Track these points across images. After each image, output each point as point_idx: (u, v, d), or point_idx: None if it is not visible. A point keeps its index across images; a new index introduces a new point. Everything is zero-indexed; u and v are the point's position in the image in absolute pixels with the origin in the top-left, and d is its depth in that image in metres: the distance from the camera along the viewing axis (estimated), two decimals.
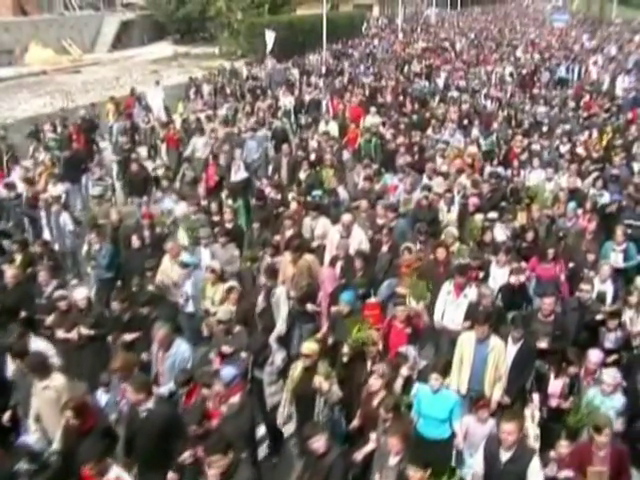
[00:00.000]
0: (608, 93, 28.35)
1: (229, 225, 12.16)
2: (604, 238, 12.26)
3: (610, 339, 9.26)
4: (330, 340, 9.11)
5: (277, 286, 9.76)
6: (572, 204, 13.14)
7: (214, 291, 9.85)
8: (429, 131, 19.20)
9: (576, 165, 16.41)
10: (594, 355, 8.29)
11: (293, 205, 12.81)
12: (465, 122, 20.36)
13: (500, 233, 12.44)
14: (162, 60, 46.25)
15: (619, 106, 24.67)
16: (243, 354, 8.41)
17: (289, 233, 11.86)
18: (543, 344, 8.85)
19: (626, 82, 30.19)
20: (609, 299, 10.51)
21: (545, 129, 20.58)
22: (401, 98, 24.48)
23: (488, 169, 16.16)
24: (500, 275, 10.57)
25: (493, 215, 12.97)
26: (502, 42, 48.63)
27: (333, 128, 19.05)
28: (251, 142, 17.38)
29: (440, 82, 29.09)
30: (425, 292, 9.75)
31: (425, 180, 14.92)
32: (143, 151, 17.48)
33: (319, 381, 7.50)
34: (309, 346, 7.88)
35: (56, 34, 45.15)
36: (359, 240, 11.57)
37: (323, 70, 32.11)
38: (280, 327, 9.53)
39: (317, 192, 13.32)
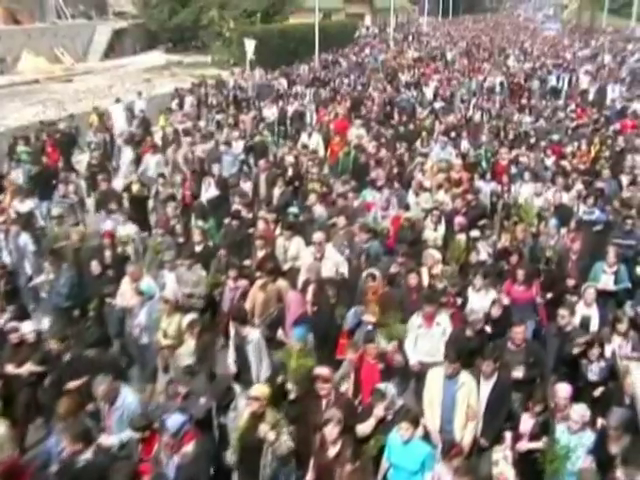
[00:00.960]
0: (596, 103, 27.67)
1: (199, 247, 11.46)
2: (591, 258, 11.51)
3: (593, 371, 8.51)
4: (263, 378, 8.41)
5: (249, 329, 8.82)
6: (553, 221, 12.41)
7: (169, 322, 9.10)
8: (417, 143, 18.52)
9: (562, 178, 15.85)
10: (562, 389, 7.52)
11: (261, 225, 12.04)
12: (453, 134, 19.54)
13: (482, 252, 11.81)
14: (154, 69, 45.28)
15: (607, 117, 23.97)
16: (202, 399, 7.60)
17: (261, 254, 11.18)
18: (518, 373, 8.17)
19: (616, 92, 29.47)
20: (595, 325, 9.82)
21: (532, 140, 19.92)
22: (388, 109, 23.74)
23: (479, 184, 15.42)
24: (477, 300, 9.81)
25: (475, 234, 12.32)
26: (494, 51, 47.96)
27: (316, 140, 18.28)
28: (227, 157, 16.60)
29: (428, 92, 28.26)
30: (399, 332, 8.90)
31: (411, 197, 14.22)
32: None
33: (264, 431, 6.70)
34: (259, 388, 7.12)
35: (48, 43, 44.21)
36: (334, 262, 10.88)
37: (310, 79, 31.24)
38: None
39: (292, 209, 12.55)
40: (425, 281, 10.41)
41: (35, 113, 29.25)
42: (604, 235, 12.54)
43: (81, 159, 19.31)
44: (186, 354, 8.24)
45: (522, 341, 8.49)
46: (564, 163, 17.40)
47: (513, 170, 16.60)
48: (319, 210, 12.98)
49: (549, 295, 10.63)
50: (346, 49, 46.93)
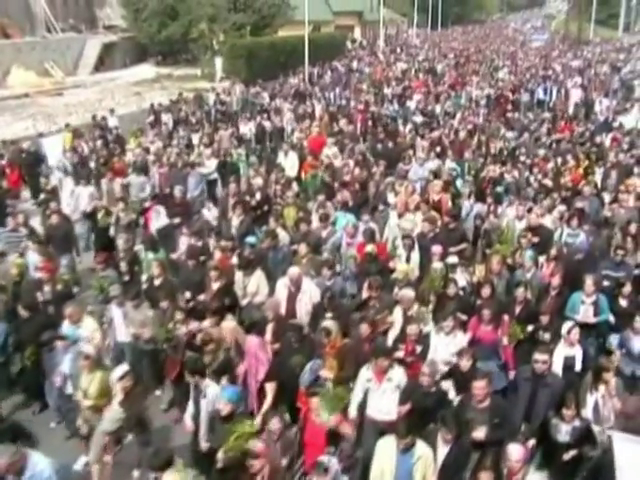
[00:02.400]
0: (581, 116, 26.67)
1: (158, 280, 10.40)
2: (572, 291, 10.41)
3: (564, 431, 7.37)
4: (203, 445, 7.34)
5: (207, 382, 7.76)
6: (529, 252, 11.23)
7: (90, 380, 7.93)
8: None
9: (543, 198, 14.73)
10: (515, 451, 6.52)
11: (217, 254, 10.98)
12: (438, 150, 18.24)
13: (461, 281, 10.74)
14: (144, 82, 44.57)
15: (592, 130, 22.92)
16: (136, 473, 6.44)
17: (216, 286, 10.12)
18: (479, 434, 7.09)
19: (604, 104, 28.41)
20: (579, 366, 8.77)
21: (517, 157, 18.84)
22: (370, 124, 22.61)
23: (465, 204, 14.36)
24: (442, 345, 8.70)
25: (454, 260, 11.21)
26: (484, 62, 46.91)
27: (292, 160, 17.07)
28: (191, 178, 15.44)
29: (412, 106, 27.04)
30: (339, 402, 7.73)
31: (393, 218, 13.04)
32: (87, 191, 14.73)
33: None
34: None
35: (38, 57, 43.40)
36: (311, 295, 9.83)
37: (291, 93, 30.03)
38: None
39: (250, 240, 11.39)
40: (399, 324, 9.26)
41: (25, 127, 28.86)
42: (586, 265, 11.43)
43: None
44: (113, 417, 7.11)
45: (484, 396, 7.37)
46: (545, 181, 16.30)
47: (499, 189, 15.56)
48: (282, 235, 11.91)
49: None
50: (333, 61, 45.74)
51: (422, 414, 7.21)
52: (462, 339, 8.84)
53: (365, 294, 9.87)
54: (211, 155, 16.78)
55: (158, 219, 12.94)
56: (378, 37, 58.58)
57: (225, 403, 7.11)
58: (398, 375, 7.91)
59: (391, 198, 14.05)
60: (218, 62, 34.72)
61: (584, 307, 10.03)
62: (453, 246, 12.14)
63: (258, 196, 13.94)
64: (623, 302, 10.25)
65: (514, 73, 39.59)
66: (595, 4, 71.01)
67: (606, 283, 10.94)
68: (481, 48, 60.30)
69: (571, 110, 28.53)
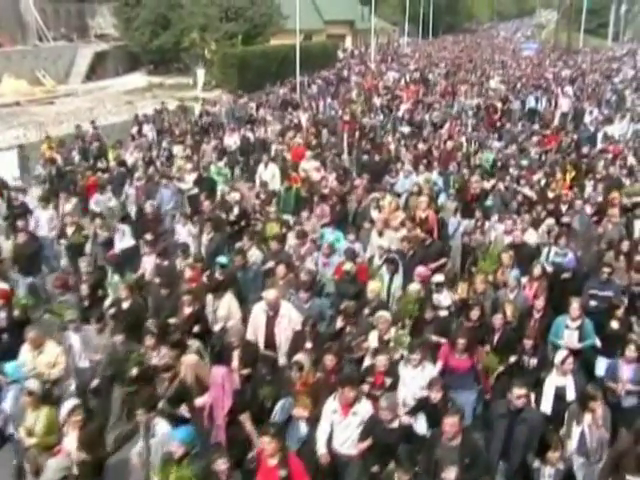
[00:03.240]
0: (564, 127, 26.06)
1: (126, 303, 9.75)
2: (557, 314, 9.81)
3: (549, 474, 6.76)
4: None
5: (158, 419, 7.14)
6: (514, 272, 10.62)
7: (35, 418, 7.27)
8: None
9: (528, 212, 14.06)
10: None
11: (187, 273, 10.30)
12: (424, 162, 17.47)
13: (444, 302, 10.12)
14: (136, 91, 44.03)
15: (577, 141, 22.26)
16: None
17: (188, 311, 9.48)
18: (449, 475, 6.40)
19: (594, 114, 27.73)
20: (571, 396, 8.11)
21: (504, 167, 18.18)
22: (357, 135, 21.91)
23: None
24: (410, 378, 8.01)
25: (439, 278, 10.56)
26: (475, 71, 46.29)
27: (272, 172, 16.32)
28: (166, 190, 14.72)
29: (400, 114, 26.32)
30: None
31: (374, 237, 12.32)
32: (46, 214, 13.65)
33: None
34: None
35: (30, 65, 43.06)
36: (290, 319, 9.17)
37: (278, 104, 29.25)
38: None
39: (221, 260, 10.65)
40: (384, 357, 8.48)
41: (16, 136, 28.31)
42: (572, 285, 10.81)
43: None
44: (58, 465, 6.43)
45: (456, 434, 6.74)
46: (530, 194, 15.56)
47: (488, 203, 14.91)
48: (255, 254, 11.24)
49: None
50: (322, 71, 45.13)
51: (383, 452, 6.59)
52: (431, 371, 8.18)
53: (339, 324, 9.23)
54: (192, 169, 16.03)
55: (123, 239, 12.21)
56: (369, 46, 58.00)
57: (178, 445, 6.48)
58: (365, 409, 7.33)
59: (375, 215, 13.39)
60: (200, 73, 34.24)
61: (569, 332, 9.43)
62: (431, 262, 11.56)
63: (235, 211, 13.23)
64: (614, 324, 9.60)
65: (505, 82, 38.76)
66: (584, 13, 70.79)
67: (593, 303, 10.38)
68: (472, 57, 59.71)
69: (557, 120, 27.89)
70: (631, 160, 19.32)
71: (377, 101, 30.18)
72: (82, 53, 47.08)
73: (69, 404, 7.06)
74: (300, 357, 8.04)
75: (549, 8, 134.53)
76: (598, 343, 9.53)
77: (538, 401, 8.27)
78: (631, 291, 10.73)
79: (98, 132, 22.19)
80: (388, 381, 7.98)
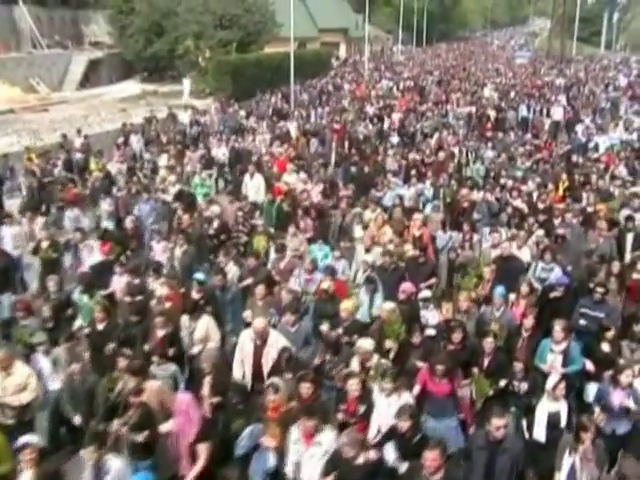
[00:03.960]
0: (556, 136, 25.62)
1: (101, 325, 9.23)
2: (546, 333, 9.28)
3: None
4: None
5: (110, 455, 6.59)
6: (500, 289, 10.00)
7: None
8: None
9: (516, 222, 13.65)
10: None
11: (161, 290, 9.76)
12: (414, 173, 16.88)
13: (432, 320, 9.64)
14: (130, 98, 43.53)
15: (569, 150, 21.80)
16: None
17: (161, 334, 8.97)
18: None
19: (585, 123, 27.23)
20: (564, 421, 7.66)
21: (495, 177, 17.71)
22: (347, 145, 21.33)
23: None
24: (384, 407, 7.46)
25: (427, 294, 10.10)
26: (468, 79, 45.83)
27: (258, 183, 15.74)
28: (144, 205, 14.04)
29: (389, 124, 25.72)
30: None
31: (360, 253, 11.81)
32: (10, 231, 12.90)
33: None
34: None
35: (24, 73, 42.46)
36: (278, 348, 8.54)
37: (268, 112, 28.65)
38: None
39: (198, 276, 10.07)
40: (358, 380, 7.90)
41: (10, 143, 27.88)
42: (562, 303, 10.32)
43: (12, 204, 16.58)
44: None
45: (437, 469, 6.22)
46: (521, 206, 14.99)
47: (476, 215, 14.40)
48: (233, 270, 10.70)
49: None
50: (314, 79, 44.65)
51: None
52: (407, 400, 7.63)
53: (318, 360, 8.68)
54: (176, 181, 15.47)
55: (91, 255, 11.59)
56: (363, 54, 57.64)
57: None
58: (329, 439, 6.82)
59: (358, 231, 12.85)
60: (186, 82, 33.78)
61: (552, 356, 8.87)
62: (422, 281, 11.01)
63: (215, 225, 12.68)
64: (605, 347, 9.09)
65: (499, 90, 38.25)
66: (577, 22, 70.64)
67: (582, 322, 9.89)
68: (466, 66, 59.30)
69: (548, 129, 27.45)
70: (622, 171, 18.86)
71: (370, 110, 29.64)
72: (76, 60, 46.55)
73: (24, 439, 6.53)
74: (276, 380, 7.56)
75: (542, 16, 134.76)
76: (589, 366, 8.99)
77: (530, 428, 7.84)
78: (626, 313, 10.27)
79: (88, 142, 21.67)
80: (361, 408, 7.47)
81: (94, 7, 54.65)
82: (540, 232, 13.04)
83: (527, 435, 7.89)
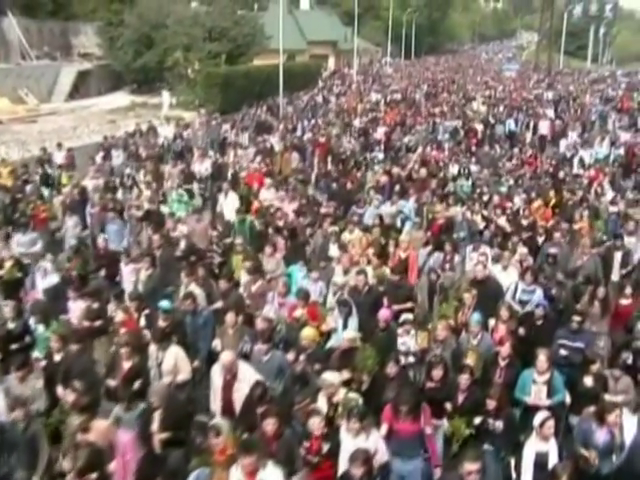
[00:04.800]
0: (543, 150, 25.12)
1: (58, 355, 8.59)
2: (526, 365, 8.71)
3: None
4: None
5: None
6: (476, 315, 9.35)
7: None
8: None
9: (499, 241, 13.05)
10: None
11: (119, 316, 9.12)
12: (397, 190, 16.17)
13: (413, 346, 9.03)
14: (119, 110, 43.10)
15: (555, 166, 21.27)
16: None
17: (127, 366, 8.33)
18: None
19: (570, 138, 26.69)
20: (553, 461, 7.04)
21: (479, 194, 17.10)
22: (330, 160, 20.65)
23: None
24: (352, 446, 6.74)
25: (407, 317, 9.49)
26: (456, 92, 45.33)
27: (232, 200, 14.89)
28: (112, 225, 13.12)
29: (377, 137, 25.01)
30: None
31: (338, 275, 11.12)
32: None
33: None
34: None
35: (12, 83, 41.94)
36: (250, 383, 7.82)
37: (253, 126, 27.89)
38: None
39: (164, 303, 9.30)
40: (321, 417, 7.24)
41: None
42: (547, 329, 9.72)
43: None
44: None
45: None
46: (503, 224, 14.38)
47: (462, 234, 13.72)
48: (201, 296, 9.98)
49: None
50: (301, 92, 44.08)
51: None
52: (376, 441, 7.02)
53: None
54: (150, 198, 14.75)
55: (45, 278, 10.79)
56: (352, 67, 57.30)
57: None
58: (273, 477, 6.20)
59: (334, 250, 12.20)
60: (166, 95, 33.21)
61: (536, 387, 8.27)
62: (398, 305, 10.41)
63: (182, 246, 11.97)
64: (588, 381, 8.41)
65: (488, 104, 37.61)
66: (564, 36, 70.70)
67: (563, 352, 9.25)
68: (455, 78, 58.89)
69: (531, 141, 26.96)
70: (606, 187, 18.35)
71: (357, 123, 28.98)
72: (65, 72, 46.01)
73: None
74: (218, 420, 6.96)
75: (530, 30, 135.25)
76: (568, 399, 8.43)
77: (518, 469, 7.28)
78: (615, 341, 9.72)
79: (72, 154, 20.93)
80: (325, 447, 6.87)
81: (83, 19, 54.27)
82: (523, 250, 12.48)
83: (515, 476, 7.34)
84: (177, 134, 24.32)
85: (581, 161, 22.42)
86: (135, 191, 15.67)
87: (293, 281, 11.11)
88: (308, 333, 8.79)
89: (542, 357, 8.25)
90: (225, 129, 26.05)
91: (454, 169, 20.22)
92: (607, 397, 8.22)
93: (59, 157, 20.04)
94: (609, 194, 17.60)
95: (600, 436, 7.47)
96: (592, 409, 7.73)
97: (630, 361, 8.86)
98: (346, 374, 8.26)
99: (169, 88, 46.32)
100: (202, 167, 18.65)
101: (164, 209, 14.74)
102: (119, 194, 15.77)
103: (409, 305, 10.69)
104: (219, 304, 9.88)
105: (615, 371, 8.60)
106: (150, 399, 7.34)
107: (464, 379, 7.93)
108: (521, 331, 9.74)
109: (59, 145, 20.90)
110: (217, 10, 49.80)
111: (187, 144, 23.29)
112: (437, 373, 8.07)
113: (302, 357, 8.51)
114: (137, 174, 17.60)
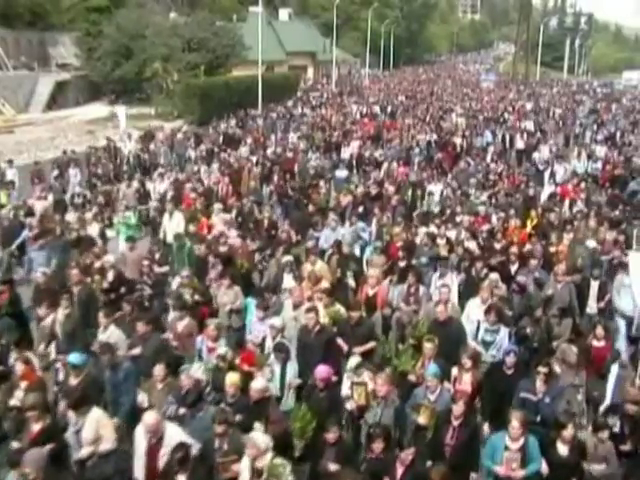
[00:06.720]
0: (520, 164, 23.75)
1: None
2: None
3: None
4: None
5: None
6: (432, 368, 7.88)
7: None
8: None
9: (466, 266, 11.41)
10: None
11: (18, 367, 7.69)
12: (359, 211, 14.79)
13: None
14: (98, 120, 41.53)
15: (526, 182, 19.79)
16: None
17: (37, 429, 6.80)
18: None
19: (543, 153, 25.06)
20: None
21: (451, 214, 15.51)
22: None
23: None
24: None
25: (357, 360, 8.25)
26: (433, 105, 43.92)
27: (177, 222, 13.12)
28: (36, 253, 11.51)
29: (346, 154, 23.28)
30: None
31: (287, 309, 9.69)
32: None
33: None
34: None
35: None
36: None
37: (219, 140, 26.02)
38: None
39: (75, 358, 7.74)
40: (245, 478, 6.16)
41: None
42: (515, 380, 8.25)
43: None
44: None
45: None
46: (472, 247, 12.70)
47: (423, 259, 11.97)
48: (115, 336, 8.54)
49: None
50: (271, 104, 42.54)
51: None
52: None
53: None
54: (92, 219, 13.15)
55: None
56: (330, 77, 56.00)
57: None
58: None
59: (288, 280, 10.70)
60: (120, 111, 31.88)
61: (509, 455, 6.83)
62: (358, 345, 9.00)
63: (110, 277, 10.46)
64: (563, 449, 7.00)
65: (466, 116, 35.96)
66: (541, 47, 70.08)
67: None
68: (433, 90, 57.50)
69: (510, 157, 25.58)
70: (580, 205, 16.92)
71: (331, 136, 27.28)
72: (43, 82, 44.50)
73: None
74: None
75: (507, 41, 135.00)
76: (544, 468, 6.97)
77: None
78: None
79: (40, 168, 19.30)
80: None
81: (61, 29, 52.73)
82: (494, 276, 10.82)
83: None
84: (138, 150, 22.48)
85: (552, 176, 20.97)
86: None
87: (248, 313, 9.84)
88: (233, 379, 7.37)
89: (515, 422, 6.82)
90: (189, 144, 24.24)
91: (427, 186, 18.53)
92: (585, 466, 6.89)
93: (11, 174, 18.29)
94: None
95: None
96: None
97: (617, 429, 7.42)
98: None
99: (147, 99, 45.09)
100: (161, 187, 16.96)
101: (110, 233, 13.20)
102: (70, 215, 14.15)
103: (371, 345, 9.24)
104: (137, 350, 8.38)
105: (602, 433, 7.18)
106: (24, 469, 5.89)
107: (409, 454, 6.54)
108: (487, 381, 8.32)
109: (10, 162, 19.15)
110: (196, 21, 48.95)
111: (153, 160, 21.67)
112: (377, 446, 6.67)
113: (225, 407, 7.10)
114: (91, 193, 15.95)
